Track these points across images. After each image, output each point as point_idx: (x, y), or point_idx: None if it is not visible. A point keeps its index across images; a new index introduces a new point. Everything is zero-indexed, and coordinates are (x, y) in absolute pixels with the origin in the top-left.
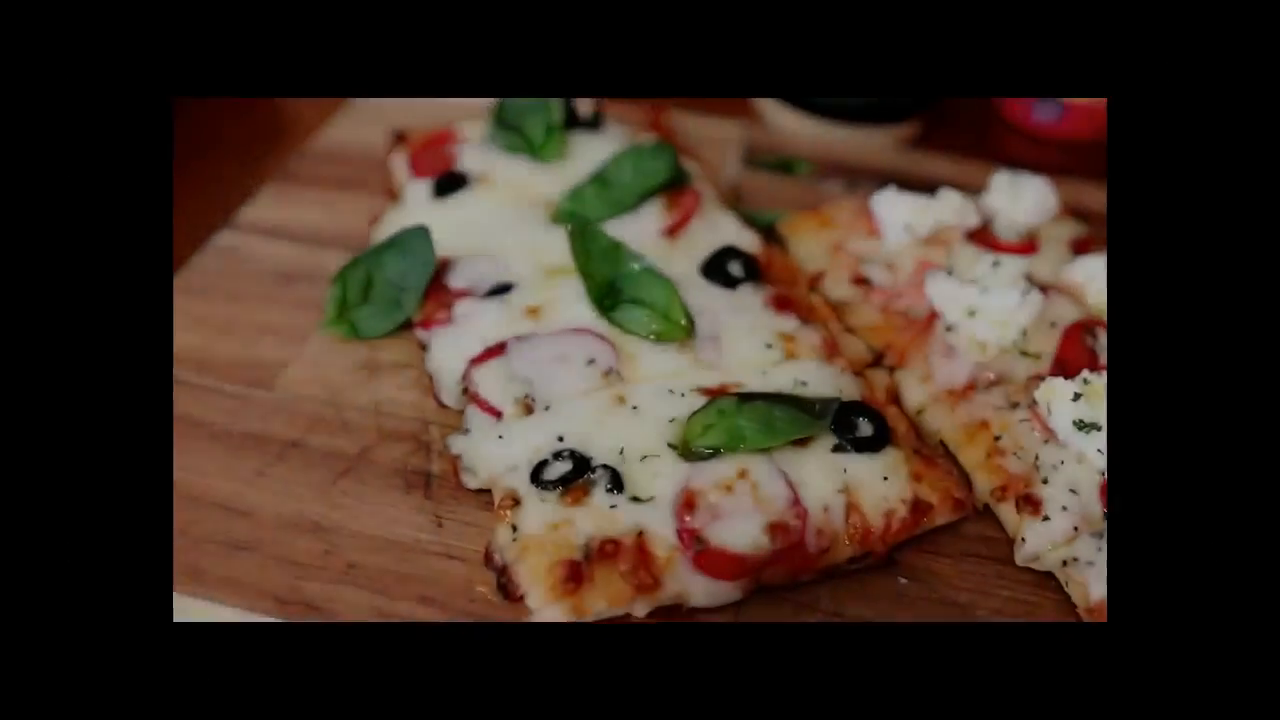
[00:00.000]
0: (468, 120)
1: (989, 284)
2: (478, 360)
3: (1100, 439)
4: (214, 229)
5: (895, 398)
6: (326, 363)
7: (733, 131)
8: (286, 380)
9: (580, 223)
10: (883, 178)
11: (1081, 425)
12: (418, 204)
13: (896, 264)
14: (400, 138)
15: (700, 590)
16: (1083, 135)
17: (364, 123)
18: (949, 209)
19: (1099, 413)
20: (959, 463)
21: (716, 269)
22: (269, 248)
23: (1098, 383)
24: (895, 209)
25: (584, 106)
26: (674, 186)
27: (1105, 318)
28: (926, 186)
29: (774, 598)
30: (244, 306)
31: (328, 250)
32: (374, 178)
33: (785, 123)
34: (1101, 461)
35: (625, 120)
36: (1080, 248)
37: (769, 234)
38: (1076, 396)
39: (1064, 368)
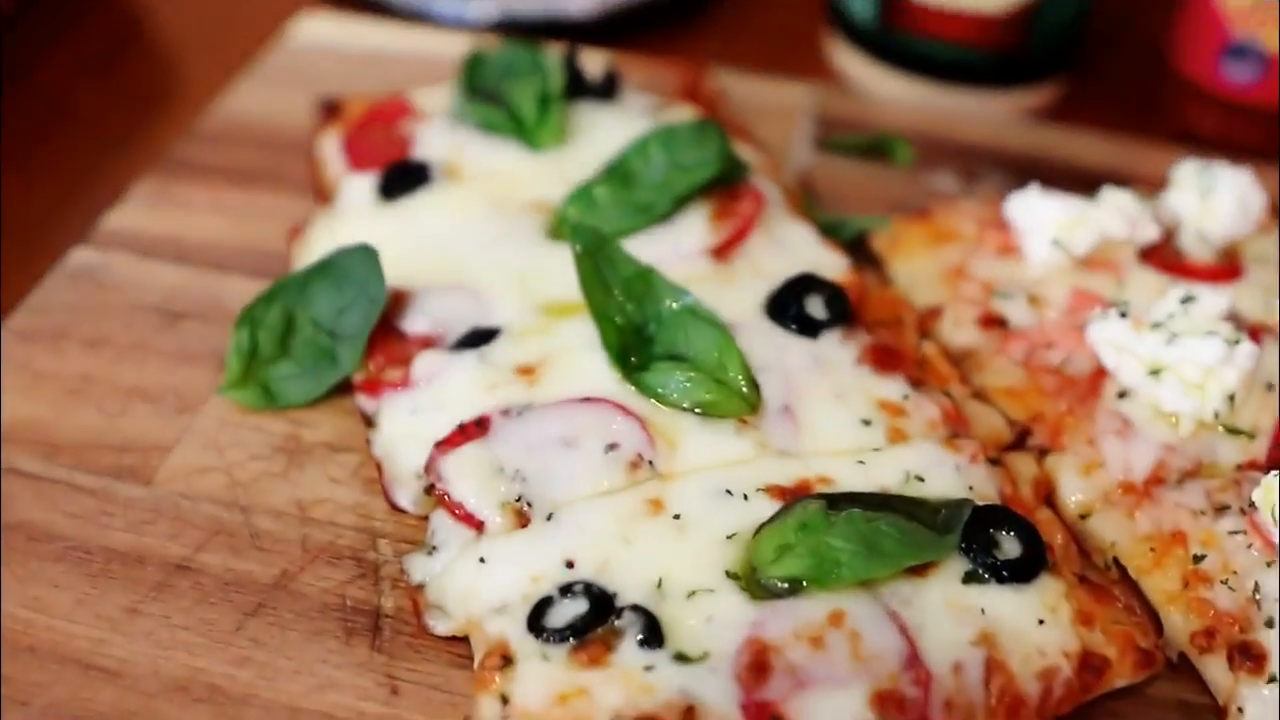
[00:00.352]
0: (428, 87)
1: (1178, 328)
2: (447, 444)
3: None
4: (64, 244)
5: (1048, 495)
6: (228, 443)
7: (800, 97)
8: (170, 470)
9: (592, 240)
10: (1013, 165)
11: None
12: (358, 209)
13: (1043, 296)
14: (332, 110)
15: None
16: None
17: (280, 85)
18: (1115, 216)
19: None
20: (1143, 594)
21: (789, 307)
22: (144, 272)
23: None
24: (1039, 216)
25: (592, 64)
26: (724, 184)
27: None
28: (1075, 178)
29: None
30: (108, 359)
31: (229, 276)
32: (296, 168)
33: (873, 84)
34: None
35: (649, 85)
36: None
37: (858, 251)
38: None
39: None
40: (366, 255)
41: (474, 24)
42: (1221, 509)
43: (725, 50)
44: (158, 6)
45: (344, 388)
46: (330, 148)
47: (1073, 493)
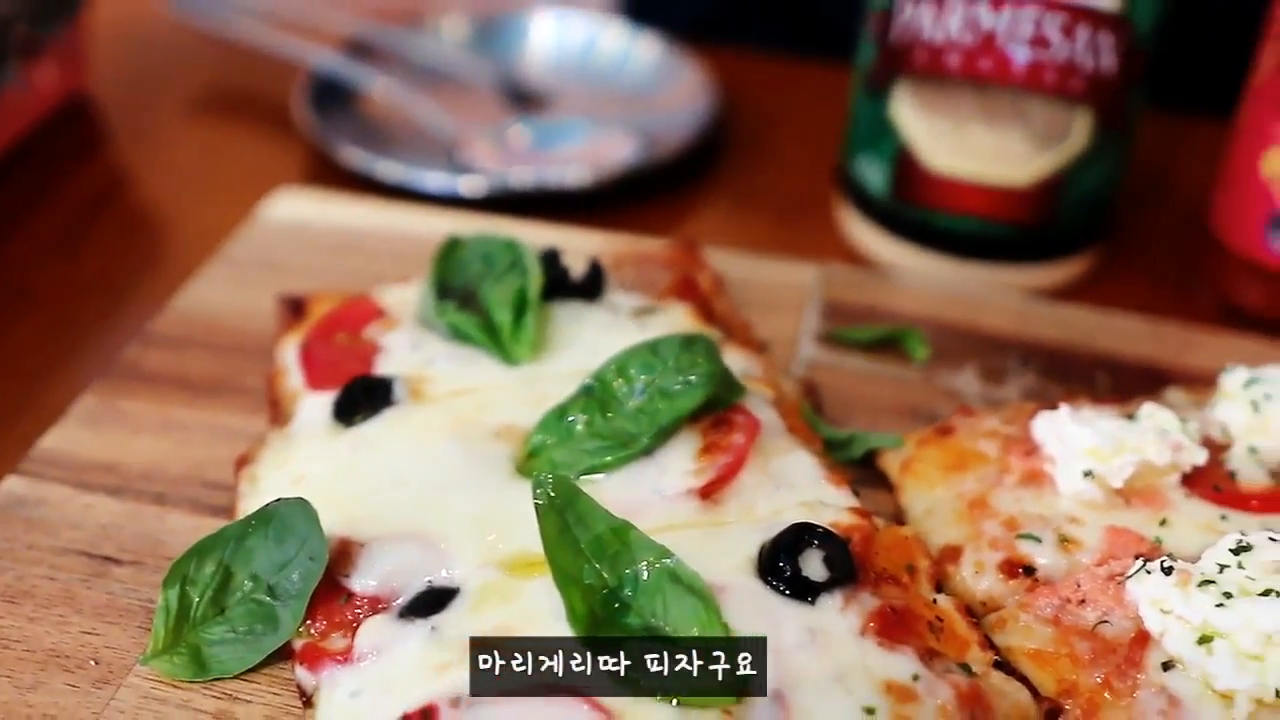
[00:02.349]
0: (399, 283)
1: (1231, 584)
2: None
3: None
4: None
5: None
6: None
7: (808, 280)
8: None
9: (557, 489)
10: (1044, 359)
11: None
12: (312, 435)
13: (1075, 537)
14: (297, 309)
15: None
16: None
17: (246, 276)
18: (1156, 440)
19: None
20: None
21: (783, 568)
22: (79, 507)
23: None
24: (1070, 442)
25: (584, 243)
26: (716, 408)
27: None
28: (1114, 373)
29: None
30: (27, 616)
31: (170, 512)
32: (257, 378)
33: (889, 259)
34: None
35: (636, 278)
36: None
37: (867, 467)
38: None
39: None
40: (304, 510)
41: (466, 198)
42: None
43: (731, 221)
44: (135, 170)
45: (285, 653)
46: (291, 356)
47: None
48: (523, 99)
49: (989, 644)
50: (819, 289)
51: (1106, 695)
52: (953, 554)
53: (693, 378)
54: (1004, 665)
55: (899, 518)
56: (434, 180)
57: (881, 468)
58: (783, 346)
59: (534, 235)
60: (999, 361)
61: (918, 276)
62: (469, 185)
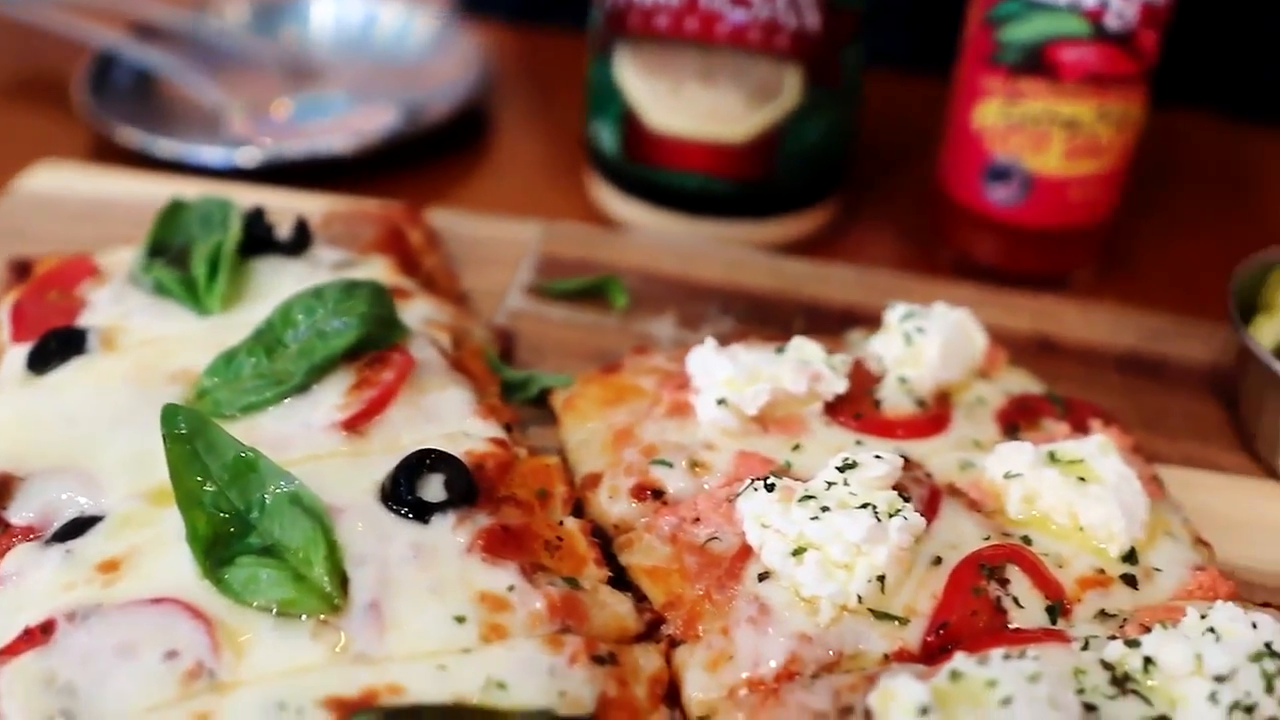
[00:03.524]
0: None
1: (833, 500)
2: (8, 653)
3: None
4: None
5: (667, 694)
6: None
7: (530, 235)
8: None
9: (186, 421)
10: (748, 307)
11: None
12: (7, 384)
13: (708, 461)
14: (23, 271)
15: None
16: (1057, 224)
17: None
18: (793, 371)
19: None
20: None
21: (402, 488)
22: None
23: (976, 674)
24: (712, 373)
25: (286, 215)
26: (377, 349)
27: (1032, 545)
28: (817, 319)
29: None
30: None
31: None
32: None
33: (629, 219)
34: None
35: (343, 234)
36: (1016, 416)
37: (542, 411)
38: (924, 711)
39: (954, 640)
40: None
41: (242, 170)
42: (847, 711)
43: (496, 185)
44: None
45: None
46: (4, 313)
47: (698, 690)
48: (301, 76)
49: (607, 562)
50: (537, 245)
51: (706, 606)
52: (593, 481)
53: (349, 320)
54: (629, 584)
55: (562, 451)
56: (209, 154)
57: (551, 405)
58: (493, 298)
59: (303, 204)
60: (699, 308)
61: (643, 233)
62: (244, 157)
